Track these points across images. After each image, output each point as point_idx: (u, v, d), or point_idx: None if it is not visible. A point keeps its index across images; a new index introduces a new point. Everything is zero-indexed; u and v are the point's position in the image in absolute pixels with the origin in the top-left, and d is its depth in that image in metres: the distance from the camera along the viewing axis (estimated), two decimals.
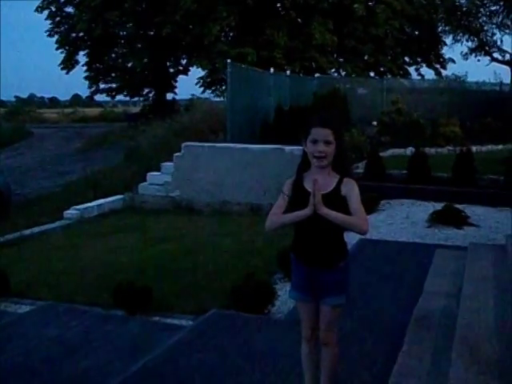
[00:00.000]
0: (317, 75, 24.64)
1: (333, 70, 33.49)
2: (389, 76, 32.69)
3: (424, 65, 37.55)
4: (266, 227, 3.79)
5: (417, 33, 36.84)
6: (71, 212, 12.35)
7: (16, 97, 79.17)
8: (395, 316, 5.90)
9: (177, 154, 13.45)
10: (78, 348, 5.60)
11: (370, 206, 11.17)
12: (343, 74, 33.25)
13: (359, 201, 3.67)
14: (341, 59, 34.12)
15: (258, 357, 5.06)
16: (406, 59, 37.70)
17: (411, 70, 37.33)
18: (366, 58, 34.72)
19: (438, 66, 37.28)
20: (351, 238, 8.71)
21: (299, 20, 32.01)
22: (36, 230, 11.24)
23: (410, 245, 9.02)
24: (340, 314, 3.93)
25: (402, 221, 10.57)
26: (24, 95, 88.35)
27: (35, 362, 5.33)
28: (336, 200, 3.63)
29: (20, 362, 5.32)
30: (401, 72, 35.77)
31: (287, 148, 12.21)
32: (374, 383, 4.44)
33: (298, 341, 4.11)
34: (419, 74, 36.84)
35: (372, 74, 34.45)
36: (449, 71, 35.78)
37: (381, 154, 13.90)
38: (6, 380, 4.94)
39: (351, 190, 3.68)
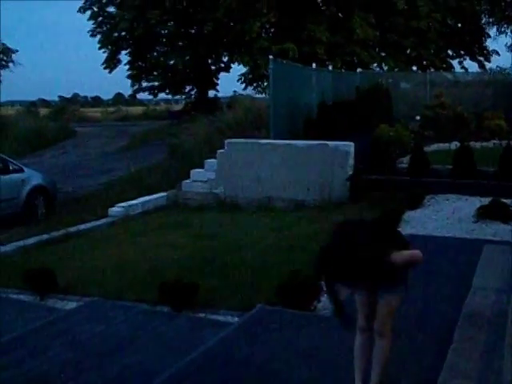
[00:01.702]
0: (359, 70, 24.48)
1: (375, 65, 33.25)
2: (432, 70, 32.27)
3: (467, 58, 37.04)
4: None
5: (460, 25, 36.30)
6: (116, 209, 12.44)
7: (60, 96, 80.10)
8: (444, 312, 5.83)
9: (220, 150, 13.47)
10: (125, 344, 5.64)
11: (415, 202, 11.06)
12: (385, 68, 32.98)
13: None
14: (383, 53, 33.83)
15: (305, 353, 5.04)
16: (449, 52, 37.23)
17: (454, 63, 36.88)
18: (408, 51, 34.38)
19: (481, 58, 36.72)
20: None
21: (340, 15, 31.81)
22: (82, 227, 11.35)
23: (457, 240, 8.89)
24: (397, 305, 3.96)
25: (448, 216, 10.42)
26: (68, 95, 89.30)
27: (82, 357, 5.38)
28: None
29: (67, 358, 5.37)
30: (444, 65, 35.31)
31: (331, 143, 12.14)
32: (422, 380, 4.38)
33: (345, 337, 4.09)
34: (463, 67, 36.33)
35: (415, 68, 34.10)
36: (493, 64, 35.14)
37: (425, 148, 13.73)
38: (53, 376, 4.98)
39: None
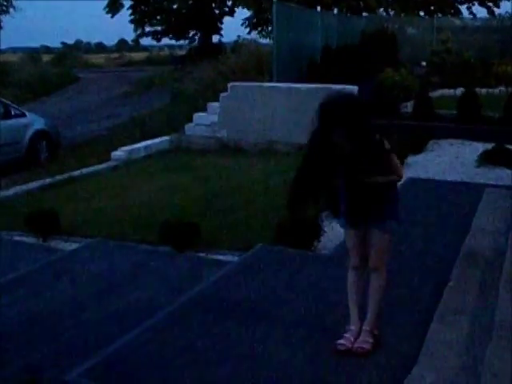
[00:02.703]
0: (365, 14, 24.16)
1: (381, 10, 32.75)
2: (439, 15, 31.80)
3: (476, 3, 36.41)
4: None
5: None
6: (119, 153, 12.44)
7: (62, 43, 79.38)
8: (442, 254, 5.86)
9: (223, 94, 13.40)
10: (126, 283, 5.71)
11: (418, 146, 11.03)
12: (392, 13, 32.51)
13: (395, 162, 3.84)
14: None
15: (303, 290, 5.09)
16: None
17: (463, 8, 36.27)
18: None
19: (490, 4, 36.10)
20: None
21: None
22: (85, 171, 11.37)
23: (459, 184, 8.90)
24: (390, 239, 3.96)
25: (451, 161, 10.42)
26: (71, 41, 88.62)
27: (84, 296, 5.44)
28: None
29: (69, 298, 5.44)
30: (452, 11, 34.77)
31: (334, 87, 12.03)
32: (419, 318, 4.42)
33: (344, 276, 4.12)
34: (471, 13, 35.72)
35: (422, 14, 33.60)
36: (502, 9, 34.63)
37: (430, 94, 13.64)
38: (55, 315, 5.05)
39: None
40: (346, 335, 4.00)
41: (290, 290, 5.09)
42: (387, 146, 3.75)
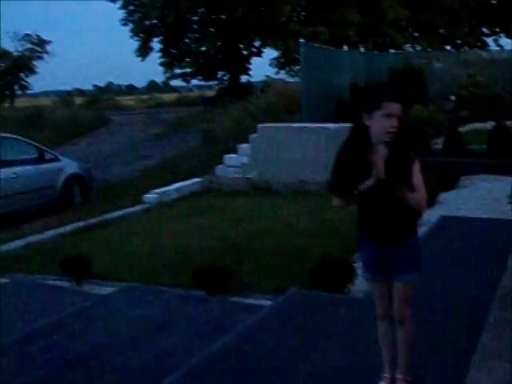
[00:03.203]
0: (391, 51, 24.25)
1: (407, 46, 32.88)
2: (466, 48, 31.83)
3: (503, 35, 36.40)
4: (334, 207, 3.80)
5: (494, 1, 35.64)
6: (151, 196, 12.55)
7: (94, 85, 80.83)
8: (478, 295, 5.76)
9: (253, 135, 13.49)
10: (160, 328, 5.70)
11: (450, 183, 10.96)
12: (418, 48, 32.60)
13: (420, 177, 3.65)
14: (415, 34, 33.43)
15: (337, 336, 5.05)
16: (484, 30, 36.62)
17: (489, 41, 36.29)
18: (441, 31, 33.91)
19: None
20: (432, 216, 8.64)
21: None
22: (117, 214, 11.48)
23: (493, 221, 8.80)
24: (413, 290, 3.87)
25: (484, 197, 10.32)
26: (102, 84, 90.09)
27: (118, 341, 5.46)
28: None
29: (103, 343, 5.46)
30: (478, 44, 34.78)
31: None
32: (454, 363, 4.35)
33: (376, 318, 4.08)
34: (498, 45, 35.74)
35: (448, 48, 33.66)
36: None
37: (460, 129, 13.58)
38: (90, 360, 5.07)
39: (411, 166, 3.65)
40: (381, 383, 3.96)
41: (323, 338, 5.05)
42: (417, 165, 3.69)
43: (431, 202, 9.31)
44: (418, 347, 4.06)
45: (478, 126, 15.60)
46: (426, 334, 4.22)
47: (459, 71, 22.27)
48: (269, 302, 6.16)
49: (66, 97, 52.44)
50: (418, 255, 3.81)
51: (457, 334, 4.84)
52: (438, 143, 13.07)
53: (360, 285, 6.24)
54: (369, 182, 3.58)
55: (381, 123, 3.59)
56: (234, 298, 6.42)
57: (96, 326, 5.85)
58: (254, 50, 37.42)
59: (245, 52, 37.53)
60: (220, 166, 13.84)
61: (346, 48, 18.57)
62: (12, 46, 50.58)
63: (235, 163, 13.57)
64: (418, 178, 3.63)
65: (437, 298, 5.52)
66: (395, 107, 3.58)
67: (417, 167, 3.65)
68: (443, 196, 10.26)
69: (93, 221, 10.85)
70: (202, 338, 5.32)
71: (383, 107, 3.59)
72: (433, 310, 5.15)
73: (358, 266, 6.40)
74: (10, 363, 5.08)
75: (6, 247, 9.63)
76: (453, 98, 19.22)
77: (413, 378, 3.97)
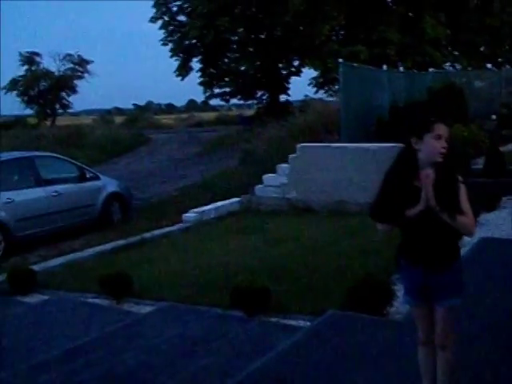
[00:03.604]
0: (431, 70, 24.11)
1: (447, 64, 32.67)
2: (507, 67, 31.50)
3: None
4: (380, 232, 3.77)
5: None
6: (190, 215, 12.63)
7: (134, 104, 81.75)
8: None
9: (292, 155, 13.49)
10: (198, 347, 5.72)
11: (491, 204, 10.81)
12: (458, 67, 32.38)
13: (467, 200, 3.61)
14: (455, 52, 33.22)
15: (376, 358, 5.00)
16: None
17: None
18: (482, 49, 33.64)
19: None
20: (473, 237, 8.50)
21: (410, 14, 31.39)
22: (156, 232, 11.57)
23: None
24: (456, 316, 3.82)
25: None
26: (142, 103, 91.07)
27: (156, 360, 5.50)
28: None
29: (142, 361, 5.51)
30: None
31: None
32: None
33: (417, 343, 4.03)
34: None
35: (489, 66, 33.36)
36: None
37: (501, 148, 13.41)
38: (129, 378, 5.11)
39: (459, 188, 3.61)
40: None
41: (363, 359, 5.01)
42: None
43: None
44: (459, 374, 3.98)
45: None
46: (467, 360, 4.14)
47: (500, 89, 22.07)
48: (307, 323, 6.14)
49: (106, 115, 53.19)
50: (461, 280, 3.77)
51: (499, 360, 4.76)
52: (479, 163, 12.92)
53: (399, 307, 6.18)
54: (418, 208, 3.56)
55: (433, 145, 3.59)
56: (273, 319, 6.41)
57: (135, 345, 5.89)
58: (293, 69, 37.58)
59: (284, 71, 37.68)
60: (259, 186, 13.85)
61: (385, 67, 18.50)
62: (54, 66, 51.36)
63: (274, 183, 13.57)
64: (465, 201, 3.59)
65: (478, 322, 5.43)
66: (444, 128, 3.60)
67: (463, 190, 3.62)
68: (484, 217, 10.12)
69: (132, 239, 10.96)
70: (240, 358, 5.32)
71: (433, 129, 3.59)
72: (473, 335, 5.06)
73: (398, 289, 6.38)
74: (51, 380, 5.14)
75: (46, 265, 9.78)
76: (494, 117, 19.03)
77: None
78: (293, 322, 6.27)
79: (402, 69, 21.77)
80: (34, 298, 8.24)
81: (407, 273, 3.84)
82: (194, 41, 35.68)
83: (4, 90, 51.54)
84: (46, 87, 52.42)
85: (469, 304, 3.83)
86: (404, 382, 4.45)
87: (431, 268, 3.67)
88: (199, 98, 51.35)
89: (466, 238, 7.88)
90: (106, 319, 6.90)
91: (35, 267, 9.24)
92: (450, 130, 3.66)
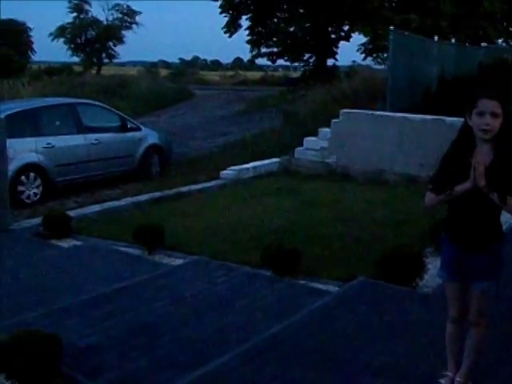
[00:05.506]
0: (483, 45, 23.56)
1: (501, 40, 31.88)
2: None
3: None
4: (426, 203, 3.70)
5: None
6: (228, 172, 12.63)
7: (180, 59, 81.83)
8: None
9: (335, 120, 13.35)
10: (224, 304, 5.76)
11: None
12: None
13: None
14: (510, 28, 32.38)
15: (401, 328, 4.98)
16: None
17: None
18: None
19: None
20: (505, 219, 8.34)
21: None
22: (193, 187, 11.60)
23: None
24: (489, 301, 3.76)
25: None
26: (188, 57, 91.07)
27: (183, 313, 5.56)
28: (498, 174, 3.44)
29: (170, 311, 5.58)
30: None
31: (448, 119, 11.76)
32: None
33: (444, 317, 3.99)
34: None
35: None
36: None
37: None
38: (154, 328, 5.17)
39: None
40: (442, 381, 3.89)
41: (387, 328, 4.99)
42: None
43: None
44: (484, 354, 3.95)
45: None
46: (494, 341, 4.09)
47: None
48: (336, 289, 6.12)
49: (151, 68, 53.29)
50: (499, 265, 3.69)
51: None
52: None
53: (430, 280, 6.12)
54: (465, 186, 3.48)
55: (475, 122, 3.48)
56: (302, 281, 6.41)
57: (163, 296, 5.94)
58: (343, 33, 37.03)
59: (333, 35, 37.17)
60: (299, 148, 13.77)
61: (436, 38, 18.12)
62: (102, 15, 51.58)
63: (315, 146, 13.47)
64: None
65: (504, 304, 5.34)
66: (489, 104, 3.45)
67: None
68: None
69: (169, 192, 11.01)
70: (266, 318, 5.33)
71: (477, 105, 3.48)
72: (504, 318, 4.99)
73: (430, 261, 6.32)
74: (78, 324, 5.22)
75: (82, 211, 9.89)
76: None
77: None
78: (321, 286, 6.25)
79: (453, 41, 21.25)
80: (67, 243, 8.36)
81: (446, 247, 3.79)
82: None
83: (52, 37, 52.01)
84: (93, 36, 52.69)
85: (501, 286, 3.75)
86: (428, 356, 4.41)
87: (469, 246, 3.62)
88: (245, 56, 51.05)
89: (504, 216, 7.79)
90: (136, 269, 6.97)
91: (71, 213, 9.33)
92: (505, 107, 3.52)
